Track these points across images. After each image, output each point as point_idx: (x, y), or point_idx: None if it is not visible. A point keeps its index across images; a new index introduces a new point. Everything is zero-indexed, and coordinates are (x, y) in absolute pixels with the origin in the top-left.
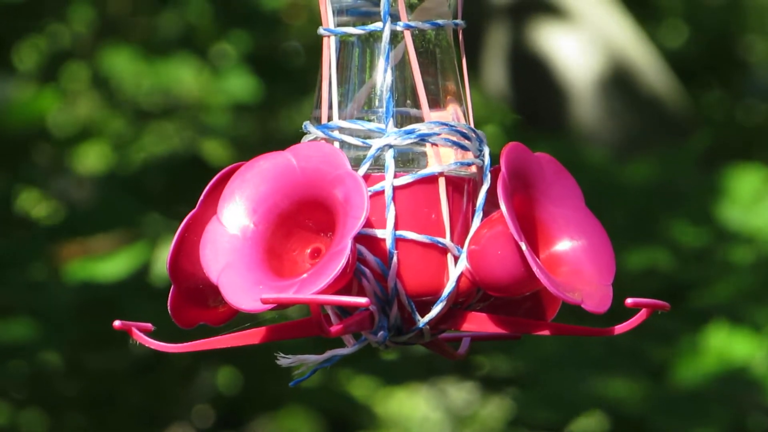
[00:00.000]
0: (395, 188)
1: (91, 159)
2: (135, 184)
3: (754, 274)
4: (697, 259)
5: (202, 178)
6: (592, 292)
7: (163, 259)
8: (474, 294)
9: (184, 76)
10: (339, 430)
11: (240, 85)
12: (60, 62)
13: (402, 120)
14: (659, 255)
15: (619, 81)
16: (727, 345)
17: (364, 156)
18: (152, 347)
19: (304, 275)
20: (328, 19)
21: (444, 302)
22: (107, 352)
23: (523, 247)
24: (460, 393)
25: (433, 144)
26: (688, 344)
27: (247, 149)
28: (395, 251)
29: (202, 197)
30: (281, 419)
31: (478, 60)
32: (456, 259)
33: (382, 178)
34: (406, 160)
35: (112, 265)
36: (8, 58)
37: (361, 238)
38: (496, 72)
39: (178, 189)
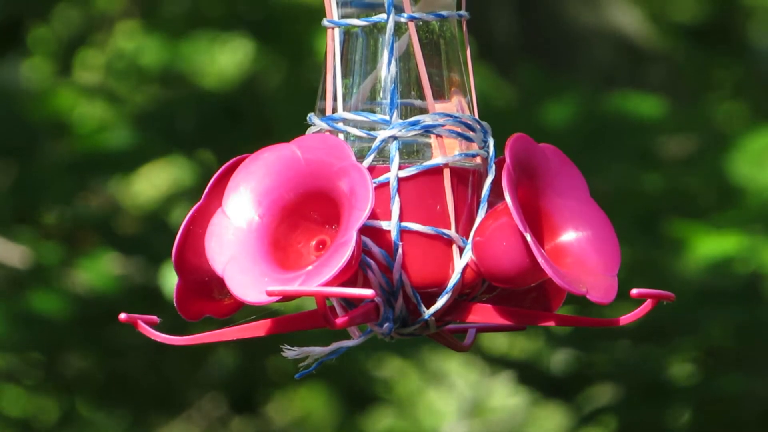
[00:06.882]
0: (400, 180)
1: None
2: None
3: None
4: (706, 194)
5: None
6: (597, 282)
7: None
8: (479, 285)
9: (197, 52)
10: (355, 408)
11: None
12: (77, 45)
13: (407, 111)
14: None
15: (628, 38)
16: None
17: (369, 147)
18: (158, 340)
19: (310, 267)
20: (332, 11)
21: (449, 294)
22: (121, 333)
23: (528, 238)
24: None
25: (437, 135)
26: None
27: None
28: (400, 243)
29: (207, 189)
30: (296, 399)
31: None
32: (461, 250)
33: (387, 170)
34: (411, 151)
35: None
36: (22, 40)
37: (366, 230)
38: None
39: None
